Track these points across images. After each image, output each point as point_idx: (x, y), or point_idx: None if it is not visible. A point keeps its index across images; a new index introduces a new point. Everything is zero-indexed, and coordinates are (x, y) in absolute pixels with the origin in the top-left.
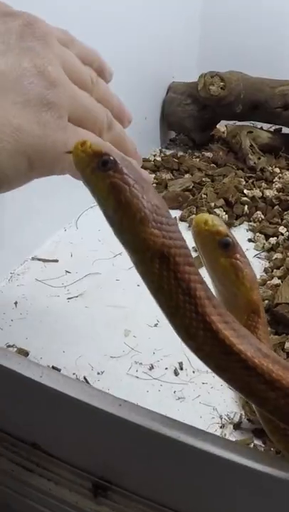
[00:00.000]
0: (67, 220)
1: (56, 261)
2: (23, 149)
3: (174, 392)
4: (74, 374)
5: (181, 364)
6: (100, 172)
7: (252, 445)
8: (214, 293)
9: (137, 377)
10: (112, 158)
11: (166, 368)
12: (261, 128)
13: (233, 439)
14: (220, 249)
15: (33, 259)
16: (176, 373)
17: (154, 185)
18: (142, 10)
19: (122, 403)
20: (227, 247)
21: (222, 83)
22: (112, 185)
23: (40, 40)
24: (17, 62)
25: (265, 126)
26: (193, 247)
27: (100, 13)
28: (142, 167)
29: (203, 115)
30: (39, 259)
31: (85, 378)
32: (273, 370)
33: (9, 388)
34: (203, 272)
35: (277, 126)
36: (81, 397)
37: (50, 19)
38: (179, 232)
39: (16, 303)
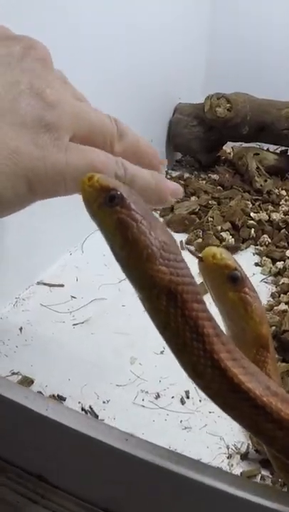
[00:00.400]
0: (73, 243)
1: (62, 286)
2: (22, 172)
3: (181, 421)
4: (79, 403)
5: (187, 393)
6: (106, 207)
7: (259, 476)
8: (223, 327)
9: (143, 406)
10: (119, 193)
11: (172, 397)
12: (267, 149)
13: (240, 470)
14: (228, 283)
15: (38, 283)
16: (182, 402)
17: (161, 207)
18: (148, 32)
19: (128, 438)
20: (236, 281)
21: (228, 105)
22: (119, 221)
23: (40, 62)
24: (15, 83)
25: (272, 147)
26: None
27: (107, 36)
28: None
29: (210, 137)
30: (44, 284)
31: (90, 407)
32: (282, 409)
33: (16, 420)
34: (208, 299)
35: (284, 148)
36: (87, 431)
37: (60, 41)
38: (187, 268)
39: (20, 329)
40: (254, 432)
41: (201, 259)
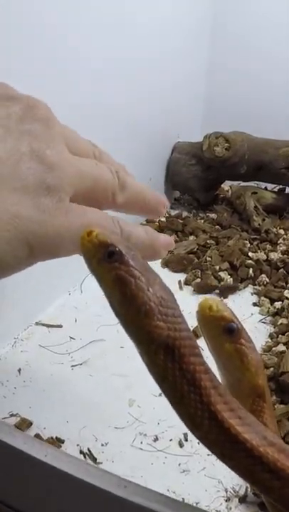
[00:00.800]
0: (72, 283)
1: (60, 326)
2: (23, 236)
3: (179, 464)
4: (78, 445)
5: (186, 435)
6: (105, 263)
7: None
8: (218, 376)
9: (142, 449)
10: (118, 249)
11: (170, 440)
12: (265, 188)
13: None
14: (225, 334)
15: (37, 324)
16: (180, 445)
17: None
18: (146, 69)
19: (127, 484)
20: (232, 332)
21: (227, 144)
22: (117, 277)
23: (40, 121)
24: (15, 147)
25: (270, 186)
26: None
27: (104, 76)
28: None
29: (208, 175)
30: (43, 325)
31: (89, 450)
32: (278, 459)
33: (14, 466)
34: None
35: (282, 186)
36: (85, 477)
37: (61, 90)
38: (184, 323)
39: (19, 370)
40: (251, 482)
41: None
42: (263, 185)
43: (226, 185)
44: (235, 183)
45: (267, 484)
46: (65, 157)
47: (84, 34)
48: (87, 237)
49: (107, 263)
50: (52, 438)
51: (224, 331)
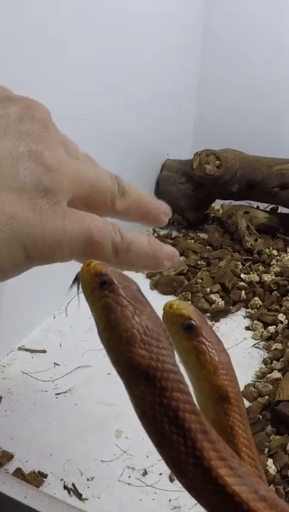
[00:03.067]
0: (57, 306)
1: (44, 351)
2: (19, 239)
3: (170, 500)
4: (62, 480)
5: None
6: (97, 292)
7: None
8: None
9: (130, 483)
10: (110, 278)
11: (160, 474)
12: (258, 207)
13: None
14: (183, 331)
15: (20, 349)
16: (171, 479)
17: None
18: (137, 88)
19: None
20: (189, 329)
21: (218, 162)
22: (104, 304)
23: (39, 123)
24: (14, 147)
25: (262, 205)
26: None
27: (98, 93)
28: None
29: (198, 194)
30: (26, 350)
31: (73, 485)
32: None
33: None
34: None
35: (274, 206)
36: None
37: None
38: (170, 356)
39: (0, 398)
40: None
41: None
42: (255, 204)
43: (217, 204)
44: (227, 202)
45: None
46: (63, 159)
47: (74, 57)
48: (86, 267)
49: (99, 291)
50: (34, 472)
51: (182, 328)
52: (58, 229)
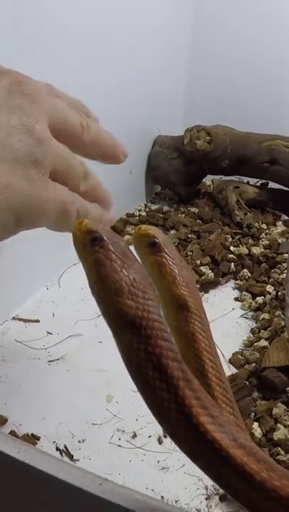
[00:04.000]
0: (50, 277)
1: (37, 321)
2: (13, 207)
3: (158, 461)
4: (54, 442)
5: (165, 432)
6: (89, 248)
7: None
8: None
9: (120, 445)
10: (100, 235)
11: (149, 436)
12: (248, 182)
13: None
14: (148, 248)
15: (13, 318)
16: (159, 441)
17: None
18: (128, 63)
19: (102, 482)
20: (153, 246)
21: (208, 137)
22: (95, 259)
23: (28, 97)
24: (5, 120)
25: (252, 180)
26: None
27: (88, 69)
28: (126, 223)
29: (189, 169)
30: (20, 319)
31: (65, 447)
32: (247, 463)
33: None
34: None
35: (264, 181)
36: (60, 475)
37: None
38: (155, 306)
39: None
40: (219, 484)
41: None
42: (245, 179)
43: (208, 179)
44: (217, 177)
45: (235, 487)
46: (49, 135)
47: (60, 33)
48: (78, 226)
49: (90, 247)
50: (27, 435)
51: (147, 246)
52: (44, 197)
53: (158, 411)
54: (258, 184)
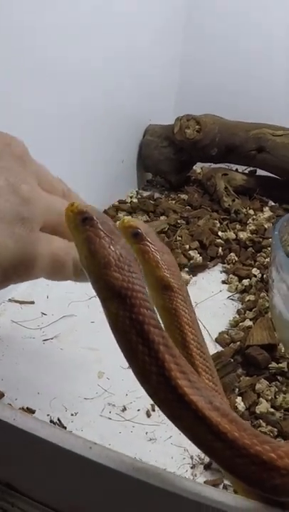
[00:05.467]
0: None
1: (32, 303)
2: None
3: (146, 433)
4: (48, 415)
5: (153, 406)
6: (80, 227)
7: (222, 485)
8: None
9: (110, 418)
10: (90, 215)
11: (138, 410)
12: (236, 170)
13: (204, 479)
14: (132, 238)
15: (9, 300)
16: (148, 415)
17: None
18: (119, 53)
19: (92, 446)
20: (136, 236)
21: (198, 126)
22: (86, 236)
23: (16, 159)
24: None
25: (241, 167)
26: None
27: (78, 59)
28: (118, 209)
29: (179, 158)
30: (16, 301)
31: (58, 419)
32: (220, 423)
33: None
34: None
35: (252, 168)
36: (53, 439)
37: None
38: (139, 278)
39: None
40: (196, 444)
41: None
42: (234, 167)
43: (198, 167)
44: (207, 165)
45: (210, 446)
46: (37, 192)
47: (59, 23)
48: (70, 208)
49: (81, 226)
50: (23, 408)
51: (131, 236)
52: (32, 253)
53: (140, 373)
54: (246, 171)
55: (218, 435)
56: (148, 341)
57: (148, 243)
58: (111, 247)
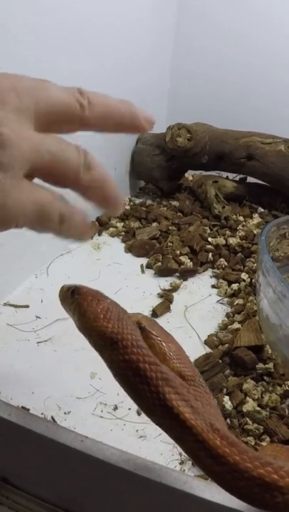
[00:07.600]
0: (39, 267)
1: (27, 307)
2: None
3: (137, 430)
4: (42, 414)
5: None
6: (69, 299)
7: (209, 480)
8: None
9: (102, 416)
10: (76, 288)
11: (129, 409)
12: (227, 177)
13: (192, 475)
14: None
15: (5, 304)
16: (138, 413)
17: (123, 233)
18: (112, 62)
19: (83, 439)
20: (142, 332)
21: (189, 135)
22: (76, 303)
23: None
24: None
25: (231, 175)
26: None
27: (69, 71)
28: (111, 216)
29: (171, 165)
30: (11, 305)
31: (52, 418)
32: (220, 446)
33: None
34: None
35: (242, 176)
36: (46, 433)
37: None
38: (128, 324)
39: None
40: (200, 467)
41: None
42: (225, 174)
43: (189, 174)
44: (198, 172)
45: (210, 469)
46: (20, 134)
47: (55, 38)
48: (61, 290)
49: (70, 298)
50: (18, 407)
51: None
52: (15, 199)
53: (145, 409)
54: (237, 179)
55: (217, 459)
56: (146, 379)
57: (153, 336)
58: (99, 305)
